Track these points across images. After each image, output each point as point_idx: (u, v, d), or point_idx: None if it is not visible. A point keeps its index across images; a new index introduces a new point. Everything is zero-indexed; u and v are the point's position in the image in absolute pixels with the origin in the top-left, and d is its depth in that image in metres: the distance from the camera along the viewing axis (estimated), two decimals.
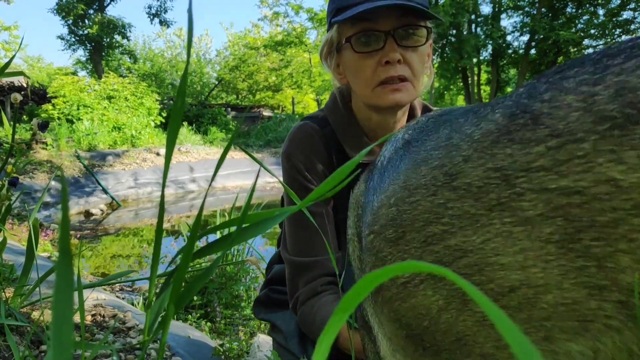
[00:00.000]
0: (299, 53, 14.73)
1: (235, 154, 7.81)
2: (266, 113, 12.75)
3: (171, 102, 11.44)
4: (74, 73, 13.94)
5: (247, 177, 6.30)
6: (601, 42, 11.54)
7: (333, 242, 0.68)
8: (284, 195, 0.74)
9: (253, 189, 0.28)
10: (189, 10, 0.23)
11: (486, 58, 13.31)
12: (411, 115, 0.70)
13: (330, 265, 0.65)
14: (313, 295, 0.64)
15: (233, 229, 0.29)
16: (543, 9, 11.50)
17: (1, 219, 0.95)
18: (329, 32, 0.64)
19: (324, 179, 0.68)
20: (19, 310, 0.92)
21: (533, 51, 12.13)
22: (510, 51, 12.90)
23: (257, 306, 0.82)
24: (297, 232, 0.68)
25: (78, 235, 3.42)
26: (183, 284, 0.27)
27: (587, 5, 11.13)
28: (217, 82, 15.90)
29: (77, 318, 1.02)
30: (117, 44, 12.57)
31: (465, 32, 11.87)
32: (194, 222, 0.26)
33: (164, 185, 0.24)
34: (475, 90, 13.23)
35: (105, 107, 7.32)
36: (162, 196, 0.25)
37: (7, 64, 0.58)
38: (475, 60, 12.26)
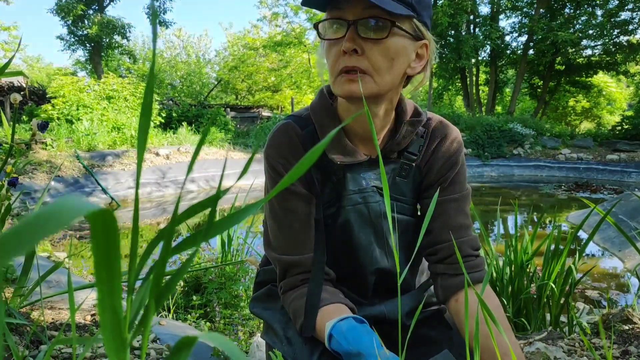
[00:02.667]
0: (298, 53, 14.73)
1: (235, 155, 7.80)
2: (265, 113, 12.75)
3: (170, 102, 11.43)
4: (74, 73, 13.93)
5: (246, 178, 6.29)
6: (599, 43, 11.56)
7: (319, 240, 0.68)
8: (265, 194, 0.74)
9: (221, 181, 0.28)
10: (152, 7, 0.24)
11: (485, 59, 13.32)
12: (399, 115, 0.69)
13: (311, 262, 0.68)
14: (291, 288, 0.68)
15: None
16: (541, 10, 11.51)
17: (1, 219, 0.95)
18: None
19: (304, 180, 0.68)
20: (19, 310, 0.92)
21: (531, 52, 12.14)
22: (508, 52, 12.91)
23: (254, 301, 0.82)
24: (281, 231, 0.68)
25: (77, 236, 3.42)
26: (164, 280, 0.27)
27: (585, 5, 11.15)
28: (216, 83, 15.88)
29: (76, 318, 1.02)
30: (116, 44, 12.55)
31: (463, 33, 11.88)
32: (170, 220, 0.26)
33: (137, 186, 0.24)
34: (474, 91, 13.24)
35: (104, 108, 7.31)
36: (137, 196, 0.25)
37: (7, 64, 0.58)
38: (473, 60, 12.27)
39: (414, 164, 0.70)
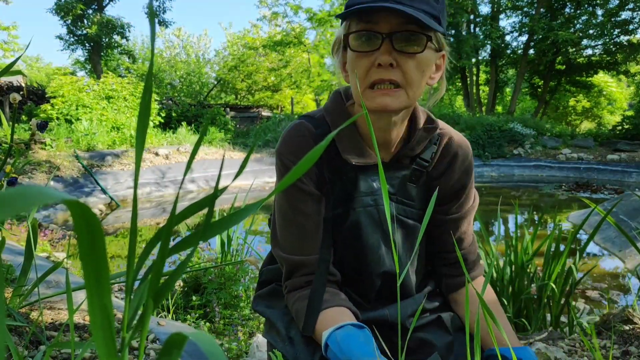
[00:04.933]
0: (298, 53, 14.73)
1: (235, 155, 7.80)
2: (265, 113, 12.74)
3: (170, 102, 11.42)
4: (73, 73, 13.92)
5: (246, 178, 6.30)
6: (599, 42, 11.56)
7: (326, 240, 0.68)
8: (275, 198, 0.73)
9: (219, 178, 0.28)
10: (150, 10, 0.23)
11: (485, 58, 13.32)
12: (413, 122, 0.69)
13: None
14: (295, 289, 0.69)
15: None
16: (542, 9, 11.51)
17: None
18: (341, 28, 0.64)
19: (315, 179, 0.68)
20: (18, 311, 0.92)
21: (532, 51, 12.14)
22: (509, 51, 12.91)
23: (257, 298, 0.81)
24: (289, 230, 0.69)
25: (77, 236, 3.41)
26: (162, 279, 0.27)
27: (586, 5, 11.15)
28: (216, 82, 15.88)
29: (75, 318, 1.02)
30: (115, 44, 12.55)
31: (464, 33, 11.87)
32: (168, 218, 0.26)
33: (136, 186, 0.24)
34: (474, 91, 13.24)
35: (104, 107, 7.31)
36: (135, 196, 0.25)
37: (10, 66, 0.58)
38: (474, 60, 12.27)
39: (425, 170, 0.71)
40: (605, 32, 10.97)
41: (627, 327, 1.19)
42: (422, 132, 0.68)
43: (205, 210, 0.27)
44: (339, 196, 0.69)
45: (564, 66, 12.76)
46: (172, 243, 0.27)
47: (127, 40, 12.77)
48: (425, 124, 0.69)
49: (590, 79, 13.32)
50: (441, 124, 0.73)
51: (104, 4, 11.80)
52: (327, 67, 14.34)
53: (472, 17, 12.01)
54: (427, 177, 0.72)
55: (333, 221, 0.69)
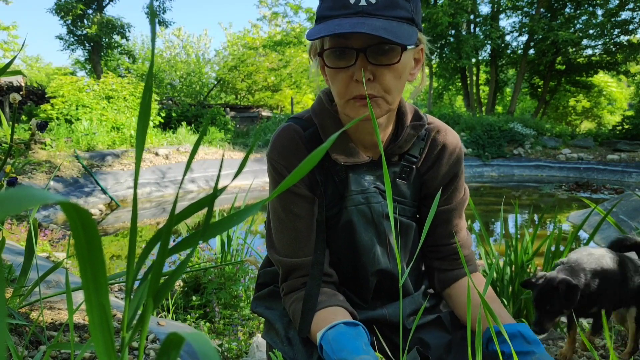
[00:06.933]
0: (298, 53, 14.73)
1: (235, 155, 7.80)
2: (265, 113, 12.75)
3: (170, 102, 11.43)
4: (73, 73, 13.93)
5: (246, 178, 6.29)
6: (599, 42, 11.55)
7: (320, 241, 0.69)
8: (269, 202, 0.73)
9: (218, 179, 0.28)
10: (151, 9, 0.23)
11: (485, 58, 13.31)
12: (400, 119, 0.70)
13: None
14: (292, 291, 0.69)
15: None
16: (542, 9, 11.50)
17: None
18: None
19: (307, 182, 0.68)
20: (18, 310, 0.92)
21: (532, 51, 12.13)
22: (509, 51, 12.91)
23: (256, 300, 0.82)
24: (284, 234, 0.69)
25: (73, 237, 3.41)
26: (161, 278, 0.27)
27: (586, 5, 11.14)
28: (216, 82, 15.88)
29: (75, 318, 1.02)
30: (116, 44, 12.55)
31: (464, 32, 11.87)
32: (168, 218, 0.26)
33: (135, 186, 0.24)
34: (474, 91, 13.23)
35: (104, 107, 7.31)
36: (135, 196, 0.25)
37: (8, 65, 0.58)
38: (474, 60, 12.26)
39: (414, 167, 0.71)
40: (605, 32, 10.97)
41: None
42: (409, 129, 0.69)
43: (205, 210, 0.27)
44: (332, 197, 0.70)
45: (564, 66, 12.75)
46: (172, 243, 0.27)
47: (127, 40, 12.77)
48: (412, 121, 0.70)
49: (590, 79, 13.32)
50: (429, 118, 0.73)
51: (103, 4, 11.80)
52: None
53: (472, 17, 12.00)
54: (417, 173, 0.72)
55: (327, 222, 0.70)
